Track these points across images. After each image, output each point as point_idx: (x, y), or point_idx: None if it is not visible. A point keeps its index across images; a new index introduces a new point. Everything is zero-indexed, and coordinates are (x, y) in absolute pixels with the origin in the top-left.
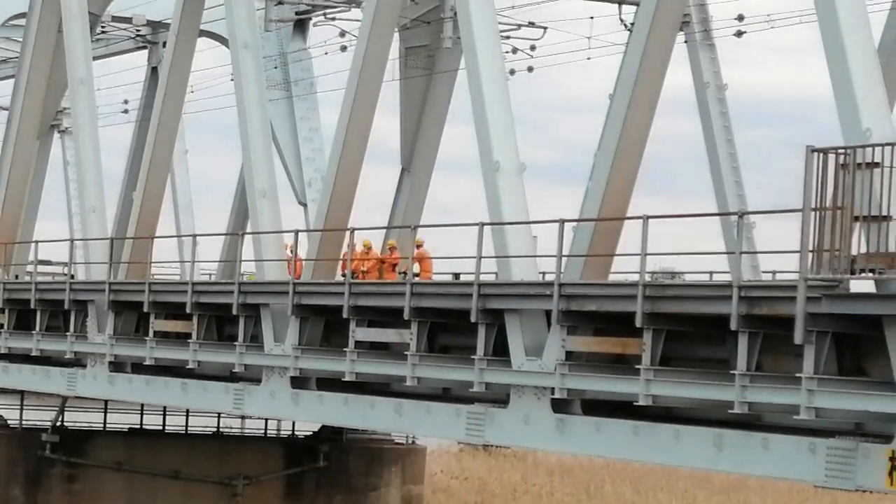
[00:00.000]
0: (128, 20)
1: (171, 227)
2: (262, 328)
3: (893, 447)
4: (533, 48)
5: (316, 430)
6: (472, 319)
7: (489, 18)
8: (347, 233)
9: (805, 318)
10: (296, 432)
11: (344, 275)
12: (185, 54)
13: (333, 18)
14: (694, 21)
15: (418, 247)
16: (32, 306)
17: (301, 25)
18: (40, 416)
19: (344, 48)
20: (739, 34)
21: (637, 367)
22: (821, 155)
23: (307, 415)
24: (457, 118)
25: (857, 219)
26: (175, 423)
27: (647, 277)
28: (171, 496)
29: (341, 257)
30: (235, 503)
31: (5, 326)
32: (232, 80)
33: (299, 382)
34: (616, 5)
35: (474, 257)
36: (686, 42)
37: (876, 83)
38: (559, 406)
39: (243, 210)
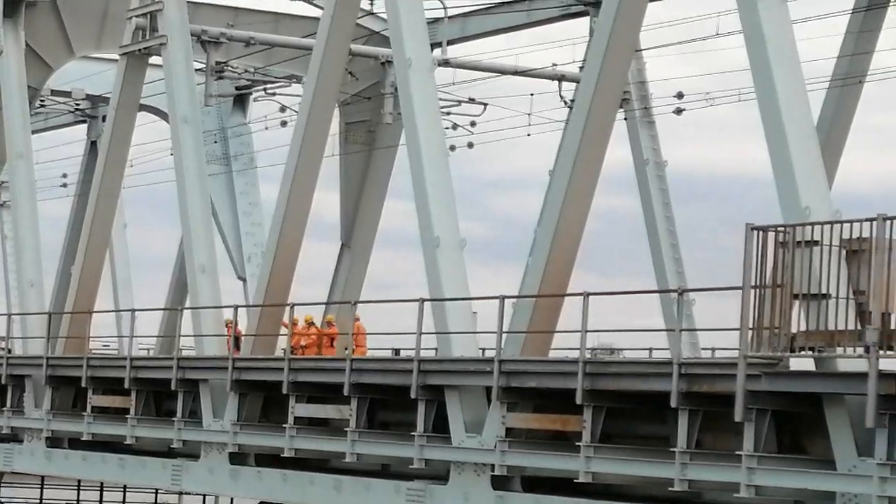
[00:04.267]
0: (67, 94)
1: (110, 302)
2: (201, 403)
3: None
4: (473, 124)
5: None
6: (412, 395)
7: (430, 94)
8: (287, 308)
9: (745, 396)
10: None
11: (284, 350)
12: (124, 128)
13: (274, 94)
14: (634, 98)
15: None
16: None
17: (241, 100)
18: None
19: (284, 123)
20: (679, 111)
21: (577, 443)
22: (760, 233)
23: (246, 491)
24: (397, 194)
25: (796, 297)
26: (112, 500)
27: (588, 354)
28: None
29: (281, 332)
30: None
31: None
32: (171, 154)
33: (238, 458)
34: (556, 82)
35: (414, 333)
36: (626, 119)
37: (815, 161)
38: (499, 483)
39: (182, 285)
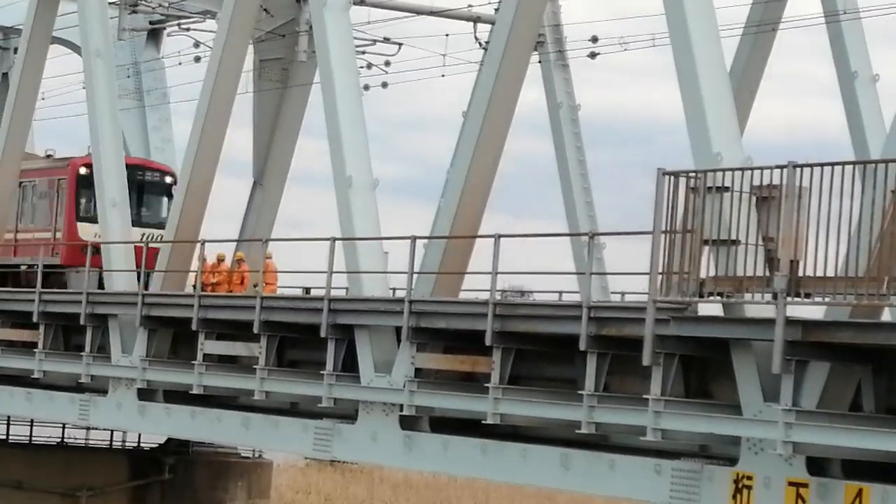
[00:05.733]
0: None
1: None
2: (110, 339)
3: (738, 470)
4: (388, 64)
5: (162, 442)
6: (322, 334)
7: (344, 33)
8: (198, 244)
9: (653, 340)
10: (141, 444)
11: (194, 286)
12: (36, 61)
13: (188, 29)
14: (548, 41)
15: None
16: None
17: (155, 35)
18: None
19: (198, 59)
20: (593, 55)
21: (486, 385)
22: (672, 178)
23: (154, 427)
24: (310, 132)
25: (706, 242)
26: (19, 434)
27: (498, 296)
28: None
29: (192, 269)
30: None
31: None
32: (84, 87)
33: (146, 394)
34: (471, 23)
35: (325, 272)
36: (540, 62)
37: (727, 108)
38: (407, 423)
39: None
